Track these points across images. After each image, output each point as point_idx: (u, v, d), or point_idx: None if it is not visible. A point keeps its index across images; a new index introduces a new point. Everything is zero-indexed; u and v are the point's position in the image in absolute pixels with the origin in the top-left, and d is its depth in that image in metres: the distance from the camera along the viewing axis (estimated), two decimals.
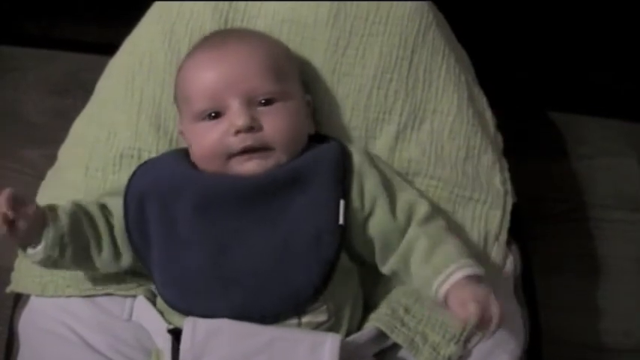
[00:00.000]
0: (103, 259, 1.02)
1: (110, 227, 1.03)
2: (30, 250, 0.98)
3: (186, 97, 1.04)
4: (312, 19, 1.13)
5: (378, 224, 1.01)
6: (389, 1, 1.14)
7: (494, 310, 0.91)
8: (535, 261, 1.20)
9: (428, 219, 1.01)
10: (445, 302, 0.95)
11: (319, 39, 1.13)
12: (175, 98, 1.09)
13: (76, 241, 0.99)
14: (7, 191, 0.92)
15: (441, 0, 1.19)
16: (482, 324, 0.91)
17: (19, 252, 1.01)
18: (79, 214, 1.01)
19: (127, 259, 1.03)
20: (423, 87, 1.13)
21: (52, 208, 0.99)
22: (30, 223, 0.94)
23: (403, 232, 1.01)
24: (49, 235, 0.97)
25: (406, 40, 1.13)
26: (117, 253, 1.03)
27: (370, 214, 1.01)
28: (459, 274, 0.95)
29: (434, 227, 1.01)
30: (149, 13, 1.19)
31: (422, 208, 1.02)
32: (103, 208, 1.03)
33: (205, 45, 1.07)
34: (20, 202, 0.93)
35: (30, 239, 0.97)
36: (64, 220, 0.98)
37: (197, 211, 0.99)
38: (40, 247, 0.97)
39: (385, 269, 1.03)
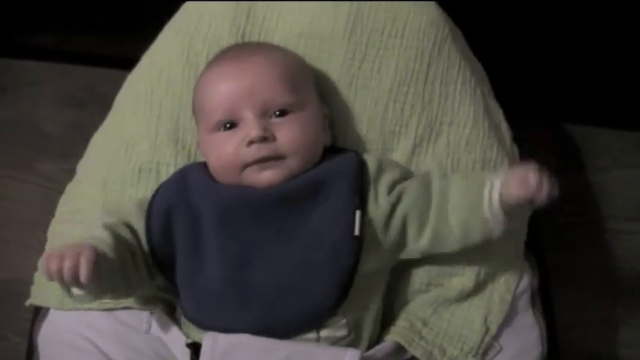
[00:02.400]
0: (141, 278, 1.00)
1: (141, 247, 1.01)
2: (76, 291, 0.93)
3: (203, 109, 1.05)
4: (329, 33, 1.14)
5: (409, 199, 1.01)
6: None
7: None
8: (552, 273, 1.20)
9: (445, 174, 1.05)
10: (501, 205, 0.96)
11: (336, 52, 1.14)
12: (193, 111, 1.10)
13: (120, 274, 0.97)
14: (92, 257, 0.89)
15: (456, 13, 1.19)
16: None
17: (62, 292, 0.93)
18: (121, 247, 0.98)
19: (160, 278, 1.03)
20: (439, 100, 1.14)
21: (102, 253, 0.94)
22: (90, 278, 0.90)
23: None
24: (102, 283, 0.93)
25: (422, 54, 1.14)
26: (150, 272, 1.02)
27: (399, 197, 1.02)
28: (502, 175, 0.97)
29: (455, 175, 1.05)
30: (167, 28, 1.19)
31: (436, 171, 1.05)
32: (130, 229, 1.01)
33: (221, 58, 1.08)
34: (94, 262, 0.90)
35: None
36: (116, 265, 0.95)
37: (218, 224, 1.00)
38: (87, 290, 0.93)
39: (423, 240, 1.02)
